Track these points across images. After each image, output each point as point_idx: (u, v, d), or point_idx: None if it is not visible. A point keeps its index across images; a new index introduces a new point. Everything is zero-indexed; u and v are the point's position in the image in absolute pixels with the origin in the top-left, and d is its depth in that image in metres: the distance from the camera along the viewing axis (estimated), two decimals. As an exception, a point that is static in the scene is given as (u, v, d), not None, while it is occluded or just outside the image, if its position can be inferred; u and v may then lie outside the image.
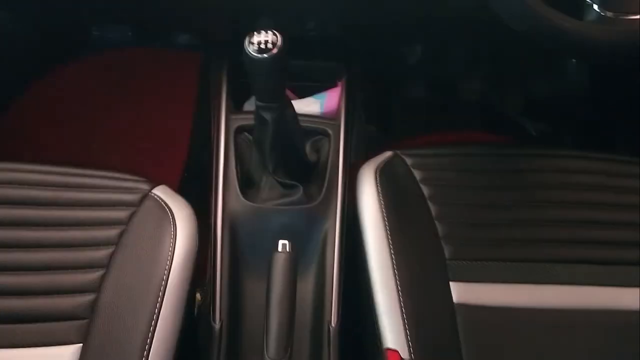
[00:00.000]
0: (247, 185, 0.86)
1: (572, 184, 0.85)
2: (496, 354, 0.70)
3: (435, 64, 1.40)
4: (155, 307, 0.66)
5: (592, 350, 0.72)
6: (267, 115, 0.75)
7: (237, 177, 0.84)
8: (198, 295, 0.86)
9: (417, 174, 0.83)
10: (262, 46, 0.68)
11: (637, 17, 0.67)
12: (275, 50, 0.68)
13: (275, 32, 0.70)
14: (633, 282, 0.76)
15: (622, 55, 0.70)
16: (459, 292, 0.73)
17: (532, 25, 0.68)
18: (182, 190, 0.80)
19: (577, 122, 1.38)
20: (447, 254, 0.76)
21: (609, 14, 0.68)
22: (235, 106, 0.94)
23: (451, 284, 0.73)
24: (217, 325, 0.76)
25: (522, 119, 1.41)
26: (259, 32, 0.69)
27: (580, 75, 1.33)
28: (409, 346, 0.67)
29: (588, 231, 0.80)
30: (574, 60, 1.32)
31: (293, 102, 0.85)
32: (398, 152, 0.86)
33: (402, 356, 0.66)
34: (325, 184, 0.84)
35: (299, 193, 0.82)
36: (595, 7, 0.68)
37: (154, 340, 0.64)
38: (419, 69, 1.39)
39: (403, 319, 0.69)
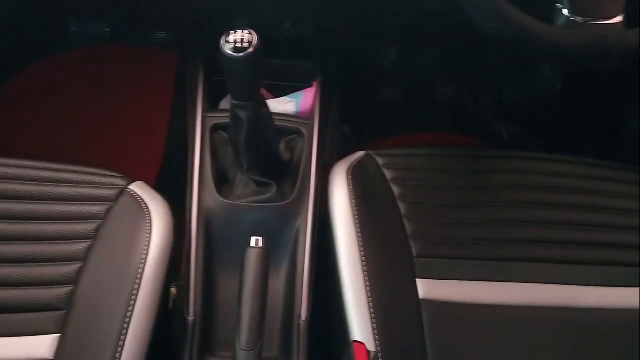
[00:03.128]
0: (222, 182, 0.88)
1: (539, 186, 0.87)
2: (458, 347, 0.72)
3: (410, 66, 1.42)
4: (131, 299, 0.68)
5: (553, 346, 0.74)
6: (242, 114, 0.77)
7: (213, 174, 0.86)
8: (173, 290, 0.87)
9: (388, 174, 0.86)
10: (238, 45, 0.70)
11: (606, 22, 0.68)
12: (251, 50, 0.70)
13: (251, 31, 0.71)
14: (593, 281, 0.79)
15: (591, 59, 0.71)
16: (425, 288, 0.75)
17: (502, 28, 0.68)
18: (158, 186, 0.81)
19: (549, 126, 1.42)
20: (414, 251, 0.78)
21: (579, 19, 0.68)
22: (211, 105, 0.96)
23: (417, 280, 0.76)
24: (190, 318, 0.78)
25: (495, 121, 1.45)
26: (235, 31, 0.71)
27: (552, 80, 1.37)
28: (375, 339, 0.70)
29: (551, 231, 0.83)
30: (546, 65, 1.36)
31: (268, 101, 0.87)
32: (370, 152, 0.88)
33: (368, 348, 0.69)
34: (298, 183, 0.86)
35: (273, 191, 0.84)
36: (565, 12, 0.68)
37: (129, 331, 0.66)
38: (394, 70, 1.42)
39: (370, 313, 0.72)
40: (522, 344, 0.74)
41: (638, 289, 0.79)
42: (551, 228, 0.83)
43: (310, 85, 1.00)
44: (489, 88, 1.45)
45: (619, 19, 0.68)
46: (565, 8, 0.68)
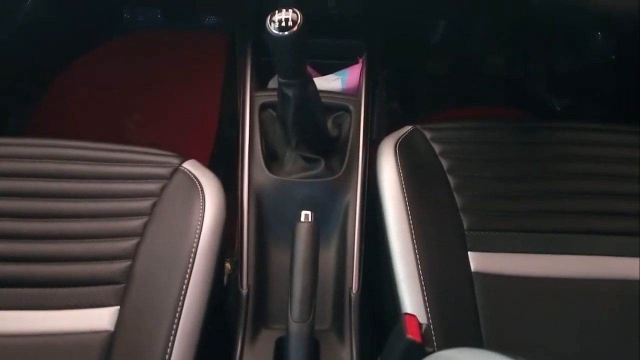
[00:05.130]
0: (272, 159, 0.89)
1: (591, 157, 0.85)
2: (511, 320, 0.72)
3: (458, 39, 1.40)
4: (187, 273, 0.71)
5: (604, 318, 0.73)
6: (289, 92, 0.78)
7: (262, 151, 0.88)
8: (228, 265, 0.90)
9: (436, 148, 0.85)
10: (283, 24, 0.71)
11: None
12: (295, 28, 0.71)
13: (295, 10, 0.72)
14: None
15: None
16: (477, 261, 0.75)
17: None
18: (212, 165, 0.83)
19: (602, 96, 1.37)
20: (465, 224, 0.78)
21: None
22: (260, 84, 0.97)
23: (469, 253, 0.76)
24: (244, 291, 0.80)
25: (547, 94, 1.41)
26: (280, 11, 0.72)
27: (604, 48, 1.32)
28: (427, 311, 0.70)
29: (605, 202, 0.81)
30: (598, 33, 1.31)
31: (315, 79, 0.87)
32: (417, 126, 0.88)
33: (420, 321, 0.69)
34: (347, 158, 0.87)
35: (321, 166, 0.85)
36: None
37: (185, 304, 0.69)
38: (442, 44, 1.40)
39: (421, 286, 0.72)
40: (574, 315, 0.73)
41: None
42: (605, 199, 0.81)
43: (356, 63, 1.00)
44: (539, 60, 1.41)
45: None
46: None
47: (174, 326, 0.67)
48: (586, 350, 0.71)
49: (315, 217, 0.76)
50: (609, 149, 0.87)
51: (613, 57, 1.31)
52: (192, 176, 0.78)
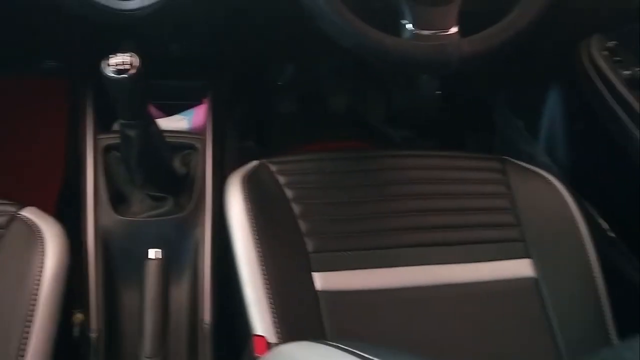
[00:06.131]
0: (120, 201, 0.89)
1: (417, 179, 0.94)
2: (354, 331, 0.78)
3: (305, 80, 1.49)
4: (26, 323, 0.68)
5: (443, 321, 0.81)
6: (131, 133, 0.80)
7: (108, 193, 0.88)
8: (80, 316, 0.88)
9: (280, 179, 0.91)
10: (120, 67, 0.74)
11: (444, 32, 0.77)
12: (132, 71, 0.74)
13: (132, 54, 0.75)
14: (470, 258, 0.86)
15: (435, 66, 0.81)
16: (321, 280, 0.80)
17: (359, 44, 0.77)
18: (58, 212, 0.82)
19: (435, 127, 1.53)
20: (309, 247, 0.83)
21: (421, 31, 0.77)
22: (105, 127, 0.97)
23: (314, 274, 0.81)
24: (94, 335, 0.79)
25: (387, 128, 1.54)
26: (116, 54, 0.74)
27: (431, 86, 1.48)
28: (276, 331, 0.74)
29: (430, 218, 0.90)
30: (424, 75, 1.47)
31: (161, 120, 0.90)
32: (264, 160, 0.93)
33: (269, 340, 0.73)
34: (195, 194, 0.90)
35: (169, 204, 0.87)
36: (410, 26, 0.77)
37: (26, 354, 0.66)
38: (291, 84, 1.48)
39: (271, 308, 0.76)
40: (412, 320, 0.81)
41: (506, 261, 0.87)
42: (429, 215, 0.90)
43: (201, 103, 1.04)
44: (379, 97, 1.54)
45: (454, 29, 0.78)
46: (410, 23, 0.77)
47: None
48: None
49: (164, 254, 0.77)
50: (431, 171, 0.97)
51: (438, 92, 1.47)
52: (30, 223, 0.77)
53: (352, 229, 0.87)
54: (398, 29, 0.78)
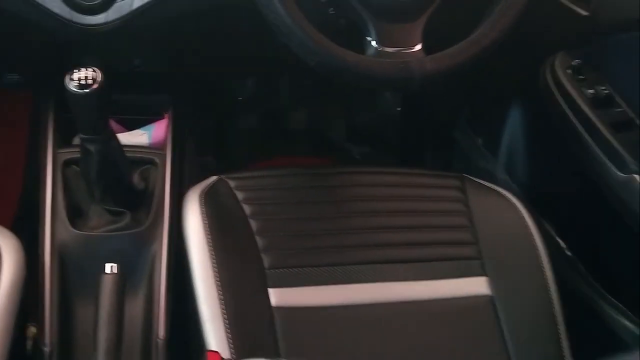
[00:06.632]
0: (78, 215, 0.89)
1: (376, 196, 0.96)
2: (309, 347, 0.79)
3: (265, 95, 1.51)
4: None
5: (398, 339, 0.83)
6: (91, 147, 0.81)
7: (65, 208, 0.88)
8: (34, 329, 0.87)
9: (239, 195, 0.92)
10: (83, 82, 0.74)
11: (408, 50, 0.78)
12: (95, 86, 0.75)
13: (95, 69, 0.76)
14: (429, 275, 0.87)
15: (397, 83, 0.81)
16: (277, 296, 0.82)
17: (322, 60, 0.77)
18: (17, 226, 0.81)
19: (395, 143, 1.56)
20: (266, 264, 0.84)
21: (385, 48, 0.78)
22: (65, 141, 0.97)
23: (270, 290, 0.82)
24: (47, 349, 0.78)
25: (347, 143, 1.57)
26: (79, 69, 0.75)
27: (392, 103, 1.51)
28: (230, 347, 0.75)
29: (389, 235, 0.91)
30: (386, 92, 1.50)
31: (121, 134, 0.91)
32: (222, 176, 0.94)
33: (223, 356, 0.74)
34: (153, 209, 0.90)
35: (127, 219, 0.87)
36: (374, 43, 0.78)
37: None
38: (252, 100, 1.50)
39: (225, 324, 0.77)
40: (367, 337, 0.82)
41: (465, 279, 0.88)
42: (387, 232, 0.92)
43: (162, 118, 1.04)
44: (340, 113, 1.57)
45: (418, 47, 0.80)
46: (374, 40, 0.79)
47: None
48: None
49: (120, 268, 0.78)
50: (390, 188, 0.98)
51: (398, 109, 1.51)
52: None
53: (309, 245, 0.88)
54: (363, 46, 0.79)
